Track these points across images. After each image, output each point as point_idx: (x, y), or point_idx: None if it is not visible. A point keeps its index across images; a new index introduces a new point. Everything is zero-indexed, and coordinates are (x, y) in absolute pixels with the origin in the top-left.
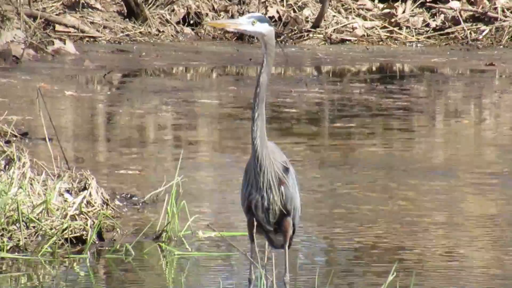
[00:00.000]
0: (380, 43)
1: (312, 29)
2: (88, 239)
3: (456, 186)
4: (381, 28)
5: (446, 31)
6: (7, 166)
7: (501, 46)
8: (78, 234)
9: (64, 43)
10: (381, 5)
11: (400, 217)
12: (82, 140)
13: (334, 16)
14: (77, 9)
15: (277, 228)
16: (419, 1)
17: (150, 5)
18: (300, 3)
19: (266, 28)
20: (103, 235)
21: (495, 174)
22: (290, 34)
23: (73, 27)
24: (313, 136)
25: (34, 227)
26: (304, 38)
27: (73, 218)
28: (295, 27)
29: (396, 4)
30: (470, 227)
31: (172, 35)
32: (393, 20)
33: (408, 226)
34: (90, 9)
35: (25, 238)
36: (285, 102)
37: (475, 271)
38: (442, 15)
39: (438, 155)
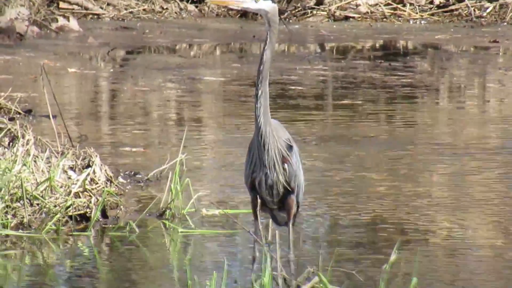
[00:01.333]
0: (384, 20)
1: (316, 6)
2: (92, 216)
3: (460, 162)
4: (384, 5)
5: (449, 8)
6: (11, 144)
7: (505, 23)
8: (82, 212)
9: (68, 20)
10: None
11: (404, 194)
12: (86, 118)
13: None
14: None
15: (281, 206)
16: None
17: None
18: None
19: (269, 5)
20: (107, 213)
21: (498, 149)
22: (293, 11)
23: (77, 4)
24: (318, 113)
25: (38, 204)
26: (308, 15)
27: (77, 195)
28: (299, 4)
29: None
30: (475, 204)
31: (175, 12)
32: None
33: (412, 203)
34: None
35: (29, 215)
36: (290, 79)
37: (480, 250)
38: None
39: (443, 132)
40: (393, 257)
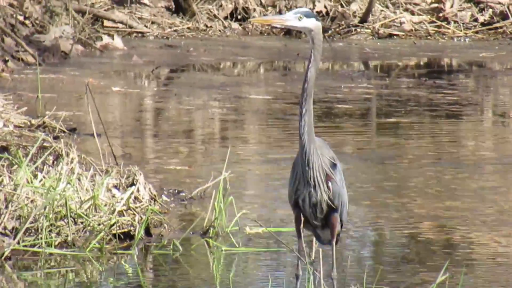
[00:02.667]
0: (428, 37)
1: (360, 24)
2: (136, 234)
3: (505, 179)
4: (429, 22)
5: (494, 25)
6: (55, 162)
7: None
8: (125, 230)
9: (112, 39)
10: (429, 0)
11: (450, 212)
12: (130, 136)
13: (381, 10)
14: (125, 5)
15: (324, 224)
16: None
17: (198, 1)
18: None
19: (313, 23)
20: (150, 231)
21: None
22: (337, 29)
23: (121, 22)
24: (363, 131)
25: (82, 222)
26: (352, 33)
27: (120, 213)
28: (343, 22)
29: None
30: None
31: (219, 30)
32: (441, 14)
33: (458, 222)
34: (138, 5)
35: (73, 233)
36: (335, 97)
37: None
38: (490, 10)
39: (487, 150)
40: (440, 278)
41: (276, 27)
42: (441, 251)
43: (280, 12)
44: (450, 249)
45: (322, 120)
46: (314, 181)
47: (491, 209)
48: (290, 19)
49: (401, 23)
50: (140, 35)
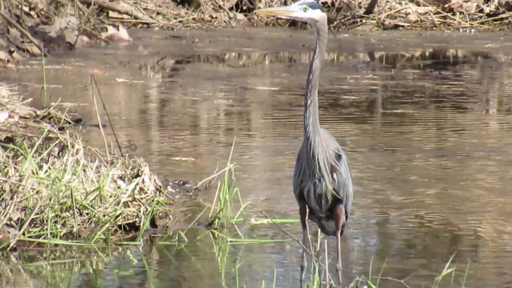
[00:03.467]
0: (434, 28)
1: (365, 15)
2: (141, 226)
3: (511, 173)
4: (434, 13)
5: (500, 16)
6: (60, 153)
7: None
8: (131, 221)
9: (118, 30)
10: None
11: (454, 202)
12: (135, 127)
13: (387, 1)
14: None
15: (329, 215)
16: None
17: None
18: None
19: (318, 14)
20: (156, 222)
21: None
22: (343, 20)
23: (127, 13)
24: (370, 122)
25: (87, 213)
26: (357, 24)
27: (126, 205)
28: (348, 13)
29: None
30: None
31: (225, 21)
32: (446, 5)
33: (463, 212)
34: None
35: (79, 225)
36: (342, 89)
37: None
38: (496, 0)
39: (492, 141)
40: (446, 270)
41: (281, 18)
42: (448, 242)
43: (285, 3)
44: (457, 240)
45: (329, 111)
46: (319, 173)
47: (498, 200)
48: (296, 10)
49: (406, 14)
50: (145, 26)
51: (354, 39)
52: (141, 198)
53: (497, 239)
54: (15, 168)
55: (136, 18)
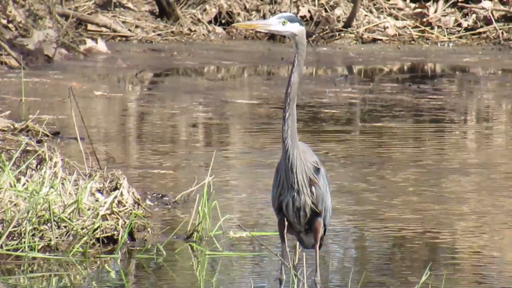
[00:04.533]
0: (412, 42)
1: (344, 29)
2: (120, 239)
3: (488, 186)
4: (412, 27)
5: (478, 30)
6: (38, 166)
7: None
8: (109, 234)
9: (96, 42)
10: (412, 5)
11: (433, 215)
12: (114, 140)
13: (365, 15)
14: (109, 9)
15: (308, 229)
16: (451, 1)
17: (182, 5)
18: (331, 3)
19: (297, 28)
20: (134, 235)
21: None
22: (321, 34)
23: (105, 26)
24: (349, 136)
25: (65, 226)
26: (336, 38)
27: (104, 218)
28: (327, 27)
29: (427, 3)
30: (502, 228)
31: (203, 35)
32: (424, 19)
33: (441, 224)
34: (122, 9)
35: (56, 237)
36: (321, 102)
37: (509, 274)
38: (474, 15)
39: (472, 156)
40: (423, 278)
41: (260, 32)
42: (425, 254)
43: (264, 17)
44: (434, 251)
45: (309, 125)
46: (297, 186)
47: (474, 212)
48: (274, 24)
49: (385, 28)
50: (124, 39)
51: (333, 53)
52: (120, 211)
53: (474, 250)
54: None
55: (114, 31)
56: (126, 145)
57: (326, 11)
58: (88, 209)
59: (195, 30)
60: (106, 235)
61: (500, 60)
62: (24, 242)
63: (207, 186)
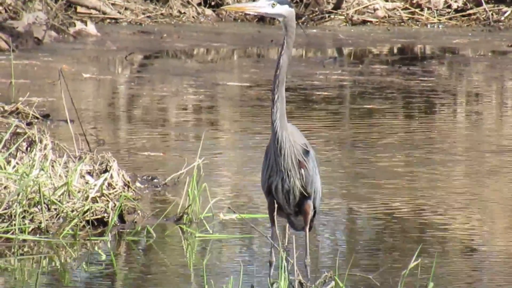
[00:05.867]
0: (402, 24)
1: (333, 11)
2: (110, 221)
3: (477, 167)
4: (402, 9)
5: (467, 12)
6: (28, 148)
7: None
8: (99, 216)
9: (86, 25)
10: None
11: (423, 197)
12: (104, 122)
13: None
14: None
15: (297, 211)
16: None
17: None
18: None
19: (286, 10)
20: (124, 217)
21: None
22: (311, 16)
23: (95, 8)
24: (340, 118)
25: (55, 209)
26: (325, 20)
27: (94, 200)
28: (316, 9)
29: None
30: (491, 209)
31: (193, 17)
32: (414, 1)
33: (431, 207)
34: None
35: (47, 220)
36: (313, 84)
37: (497, 253)
38: None
39: (462, 138)
40: (412, 263)
41: (249, 14)
42: (415, 236)
43: None
44: (424, 234)
45: (302, 107)
46: (286, 168)
47: (464, 195)
48: (263, 6)
49: (374, 9)
50: (113, 21)
51: (323, 35)
52: (110, 194)
53: (465, 233)
54: None
55: (104, 13)
56: (116, 127)
57: None
58: (78, 192)
59: (184, 12)
60: (96, 217)
61: (490, 42)
62: (15, 224)
63: (196, 168)
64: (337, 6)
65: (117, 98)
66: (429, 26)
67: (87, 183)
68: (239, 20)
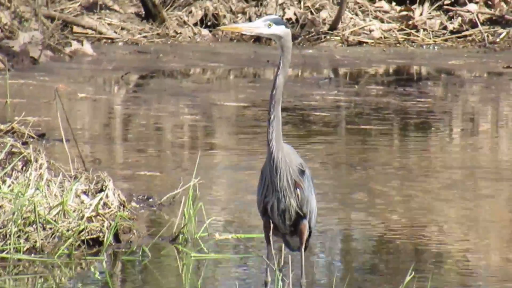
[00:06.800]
0: (397, 45)
1: (330, 31)
2: (105, 240)
3: (474, 188)
4: (398, 30)
5: (463, 33)
6: (24, 168)
7: None
8: (94, 236)
9: (82, 44)
10: (398, 8)
11: (419, 217)
12: (99, 142)
13: (351, 18)
14: (95, 11)
15: (293, 231)
16: (437, 4)
17: (168, 7)
18: (317, 5)
19: (282, 30)
20: (119, 237)
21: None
22: (307, 36)
23: (91, 28)
24: (337, 139)
25: (50, 228)
26: (322, 40)
27: (89, 219)
28: (313, 29)
29: (413, 6)
30: (487, 229)
31: (189, 37)
32: (410, 22)
33: (426, 226)
34: (107, 11)
35: (42, 239)
36: (311, 105)
37: (491, 273)
38: (460, 18)
39: (457, 158)
40: (407, 279)
41: (245, 34)
42: (411, 256)
43: (250, 19)
44: (419, 254)
45: (299, 128)
46: (282, 188)
47: (459, 214)
48: (260, 26)
49: (370, 30)
50: (109, 41)
51: (319, 55)
52: (105, 213)
53: (460, 252)
54: None
55: (100, 33)
56: (111, 147)
57: (312, 13)
58: (74, 211)
59: (180, 32)
60: (91, 237)
61: (485, 63)
62: (10, 243)
63: (192, 188)
64: (333, 27)
65: (113, 118)
66: (424, 47)
67: (82, 202)
68: (235, 40)
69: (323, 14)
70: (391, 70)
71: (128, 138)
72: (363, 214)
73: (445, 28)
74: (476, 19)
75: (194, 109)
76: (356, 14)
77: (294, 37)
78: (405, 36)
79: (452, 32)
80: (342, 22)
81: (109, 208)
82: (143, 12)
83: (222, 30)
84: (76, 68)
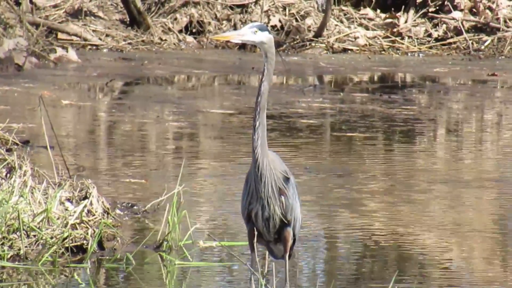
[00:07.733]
0: (382, 52)
1: (314, 38)
2: (89, 248)
3: (458, 194)
4: (383, 37)
5: (448, 41)
6: (8, 175)
7: (503, 56)
8: (78, 243)
9: (67, 51)
10: (383, 15)
11: (403, 224)
12: (84, 149)
13: (336, 25)
14: (79, 17)
15: (277, 238)
16: (421, 11)
17: (153, 14)
18: (302, 12)
19: (266, 36)
20: (103, 244)
21: (495, 184)
22: (292, 43)
23: (76, 35)
24: (322, 145)
25: (34, 235)
26: (306, 47)
27: (73, 227)
28: (297, 36)
29: (398, 14)
30: (471, 235)
31: (174, 44)
32: (395, 29)
33: (411, 233)
34: (92, 17)
35: (26, 246)
36: (297, 112)
37: (475, 280)
38: (444, 25)
39: (441, 165)
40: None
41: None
42: (394, 263)
43: (235, 26)
44: (404, 260)
45: (285, 135)
46: (266, 195)
47: (443, 221)
48: (247, 33)
49: (355, 38)
50: (94, 47)
51: (303, 62)
52: (89, 220)
53: (444, 259)
54: None
55: (85, 39)
56: (96, 154)
57: (296, 20)
58: (58, 218)
59: (165, 39)
60: (75, 244)
61: (470, 71)
62: None
63: (177, 196)
64: (318, 34)
65: (98, 125)
66: (409, 54)
67: (66, 209)
68: (220, 47)
69: (308, 21)
70: (376, 78)
71: (112, 145)
72: (347, 221)
73: (430, 35)
74: (461, 27)
75: (179, 116)
76: (341, 21)
77: (279, 44)
78: (390, 44)
79: (437, 40)
80: (327, 29)
81: (93, 215)
82: (128, 19)
83: (213, 39)
84: (60, 75)
